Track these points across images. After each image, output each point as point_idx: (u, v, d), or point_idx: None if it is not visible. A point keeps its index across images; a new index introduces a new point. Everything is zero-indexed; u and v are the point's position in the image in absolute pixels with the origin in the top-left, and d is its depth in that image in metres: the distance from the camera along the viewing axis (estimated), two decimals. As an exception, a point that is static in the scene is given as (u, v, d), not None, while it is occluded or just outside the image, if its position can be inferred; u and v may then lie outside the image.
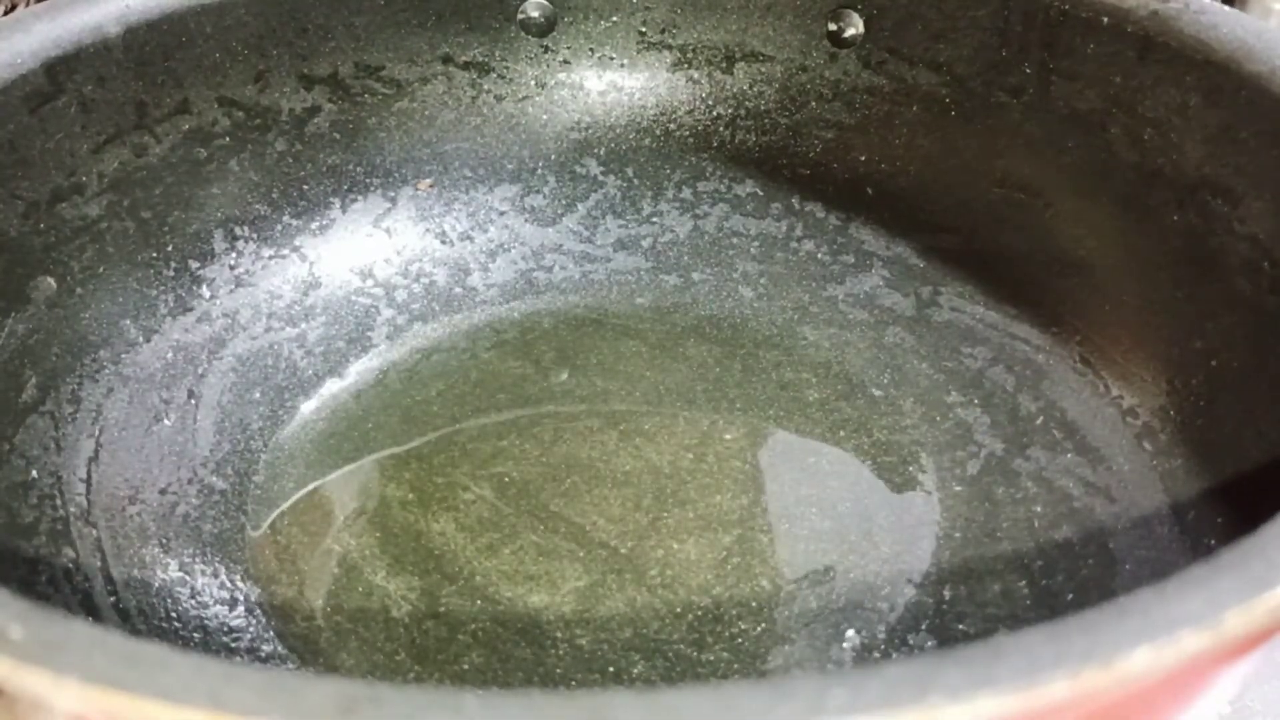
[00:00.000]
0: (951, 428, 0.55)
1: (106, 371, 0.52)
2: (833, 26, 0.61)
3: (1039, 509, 0.51)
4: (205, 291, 0.58)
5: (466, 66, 0.63)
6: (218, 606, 0.47)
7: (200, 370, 0.56)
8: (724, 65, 0.65)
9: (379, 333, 0.61)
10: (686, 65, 0.65)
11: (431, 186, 0.64)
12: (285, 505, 0.52)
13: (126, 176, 0.53)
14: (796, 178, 0.65)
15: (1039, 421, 0.54)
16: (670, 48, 0.65)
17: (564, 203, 0.67)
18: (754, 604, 0.47)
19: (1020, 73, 0.56)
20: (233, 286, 0.59)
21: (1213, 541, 0.45)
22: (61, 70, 0.49)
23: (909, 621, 0.46)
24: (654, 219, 0.66)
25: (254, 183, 0.59)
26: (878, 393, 0.57)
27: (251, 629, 0.46)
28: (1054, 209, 0.57)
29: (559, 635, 0.46)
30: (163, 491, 0.51)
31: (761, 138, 0.65)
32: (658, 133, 0.67)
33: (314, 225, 0.62)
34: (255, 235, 0.60)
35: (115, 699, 0.22)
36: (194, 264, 0.58)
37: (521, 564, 0.49)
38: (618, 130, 0.67)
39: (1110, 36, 0.52)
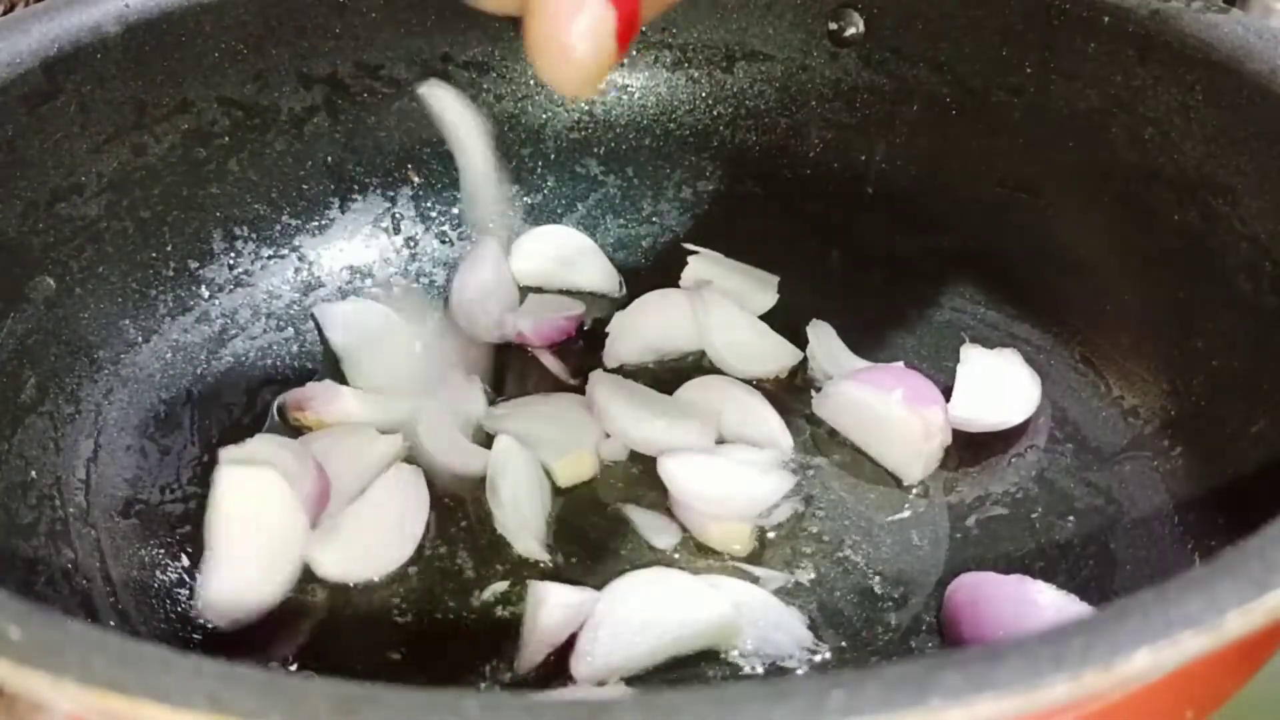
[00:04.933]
0: (952, 428, 0.55)
1: (105, 372, 0.52)
2: (833, 25, 0.61)
3: (1040, 509, 0.51)
4: (204, 291, 0.58)
5: (466, 66, 0.63)
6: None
7: (199, 370, 0.56)
8: (724, 64, 0.65)
9: (379, 332, 0.61)
10: (687, 65, 0.65)
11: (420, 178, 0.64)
12: (285, 505, 0.52)
13: (125, 176, 0.53)
14: (797, 177, 0.65)
15: (1040, 421, 0.54)
16: (670, 47, 0.65)
17: (564, 202, 0.67)
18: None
19: (1021, 72, 0.56)
20: (232, 286, 0.59)
21: (1213, 542, 0.45)
22: (60, 70, 0.49)
23: (910, 622, 0.46)
24: (654, 219, 0.66)
25: (253, 182, 0.59)
26: (878, 393, 0.57)
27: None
28: (1054, 209, 0.57)
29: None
30: (162, 492, 0.51)
31: (762, 137, 0.65)
32: (658, 132, 0.66)
33: (313, 225, 0.62)
34: (254, 235, 0.60)
35: (113, 700, 0.22)
36: (193, 264, 0.58)
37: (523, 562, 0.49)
38: (618, 130, 0.66)
39: (1111, 36, 0.52)
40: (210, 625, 0.45)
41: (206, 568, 0.45)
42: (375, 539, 0.49)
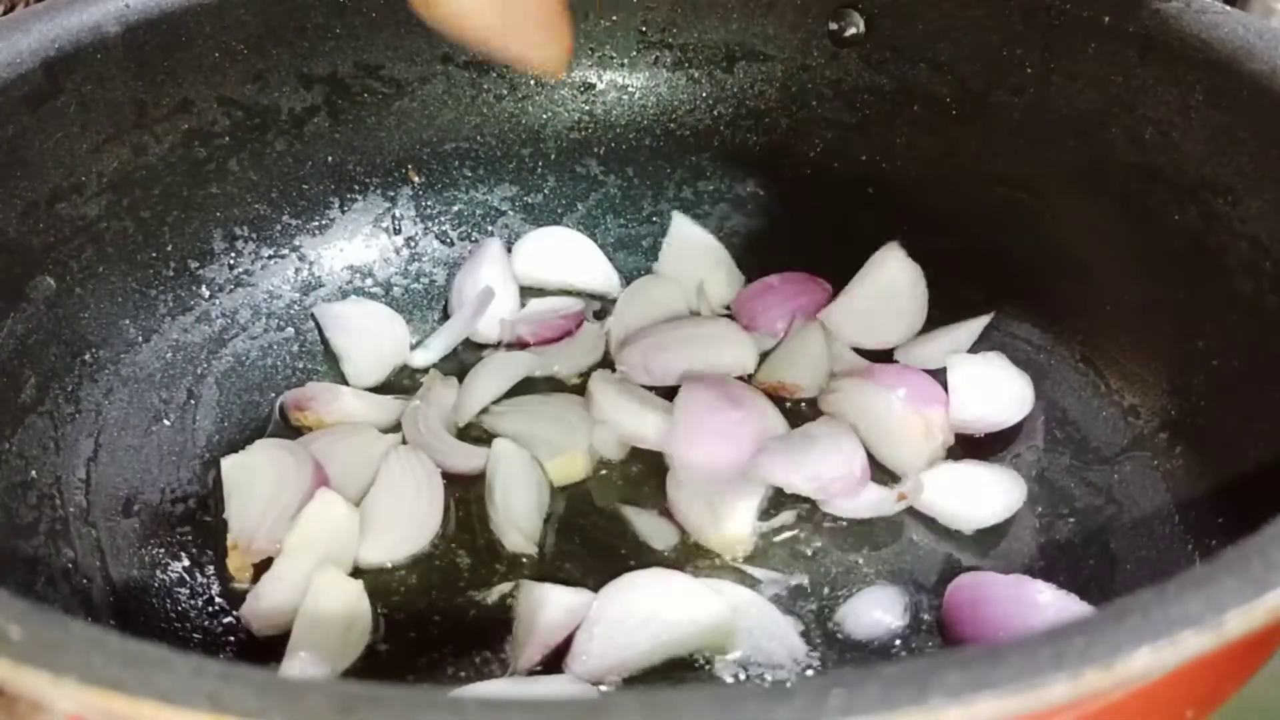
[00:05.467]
0: (952, 428, 0.55)
1: (106, 372, 0.52)
2: (834, 25, 0.61)
3: (1039, 509, 0.51)
4: (204, 291, 0.58)
5: (466, 66, 0.63)
6: (218, 607, 0.47)
7: (199, 370, 0.56)
8: (724, 64, 0.65)
9: (379, 332, 0.61)
10: (687, 64, 0.65)
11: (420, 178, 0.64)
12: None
13: (126, 176, 0.53)
14: (797, 177, 0.65)
15: (1039, 421, 0.54)
16: (671, 47, 0.65)
17: (564, 202, 0.66)
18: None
19: (1021, 72, 0.56)
20: (232, 286, 0.59)
21: (1213, 542, 0.45)
22: (61, 70, 0.49)
23: (910, 622, 0.46)
24: (654, 219, 0.66)
25: (253, 182, 0.59)
26: (878, 392, 0.57)
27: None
28: (1054, 208, 0.57)
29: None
30: (162, 492, 0.51)
31: (762, 137, 0.65)
32: (658, 132, 0.66)
33: (313, 225, 0.62)
34: (254, 235, 0.60)
35: (114, 700, 0.22)
36: (193, 264, 0.58)
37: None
38: (618, 130, 0.66)
39: (1111, 36, 0.52)
40: (239, 635, 0.45)
41: (266, 583, 0.46)
42: (401, 520, 0.50)
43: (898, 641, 0.46)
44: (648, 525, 0.50)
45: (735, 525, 0.49)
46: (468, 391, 0.56)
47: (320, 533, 0.47)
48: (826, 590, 0.48)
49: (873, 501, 0.50)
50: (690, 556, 0.49)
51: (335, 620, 0.44)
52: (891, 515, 0.51)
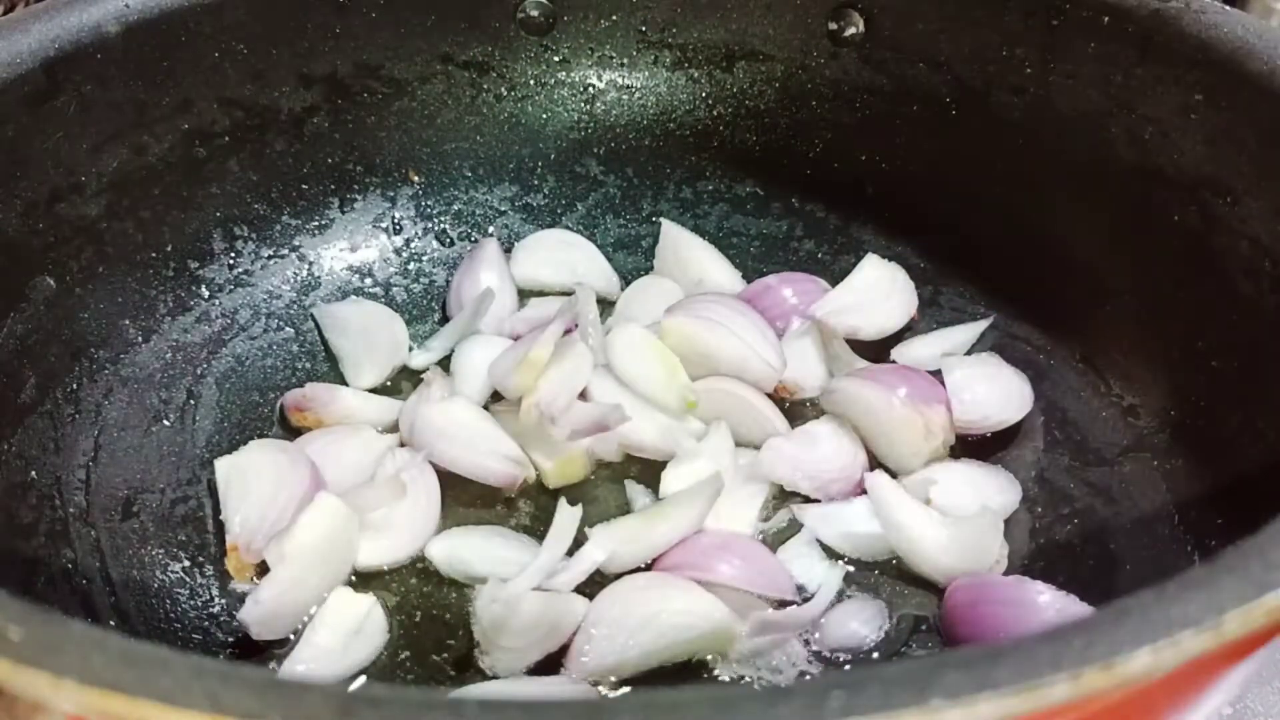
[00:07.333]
0: (952, 428, 0.55)
1: (105, 372, 0.52)
2: (833, 25, 0.61)
3: (1039, 509, 0.51)
4: (204, 291, 0.58)
5: (466, 66, 0.63)
6: (218, 607, 0.47)
7: (199, 370, 0.56)
8: (724, 64, 0.65)
9: (379, 332, 0.61)
10: (687, 64, 0.65)
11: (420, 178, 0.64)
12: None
13: (125, 176, 0.53)
14: (797, 177, 0.65)
15: (1039, 421, 0.54)
16: (670, 47, 0.65)
17: (564, 202, 0.66)
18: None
19: (1021, 72, 0.56)
20: (232, 286, 0.59)
21: (1213, 542, 0.45)
22: (61, 70, 0.49)
23: (910, 622, 0.46)
24: (654, 219, 0.66)
25: (253, 182, 0.59)
26: (878, 393, 0.57)
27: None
28: (1054, 209, 0.57)
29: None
30: (162, 492, 0.51)
31: (762, 137, 0.65)
32: (658, 132, 0.66)
33: (313, 225, 0.62)
34: (254, 235, 0.60)
35: (113, 700, 0.22)
36: (193, 264, 0.58)
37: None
38: (618, 130, 0.66)
39: (1111, 36, 0.52)
40: (239, 635, 0.45)
41: (265, 588, 0.45)
42: (399, 523, 0.49)
43: (895, 644, 0.46)
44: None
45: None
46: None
47: (320, 538, 0.46)
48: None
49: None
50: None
51: (346, 632, 0.44)
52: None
